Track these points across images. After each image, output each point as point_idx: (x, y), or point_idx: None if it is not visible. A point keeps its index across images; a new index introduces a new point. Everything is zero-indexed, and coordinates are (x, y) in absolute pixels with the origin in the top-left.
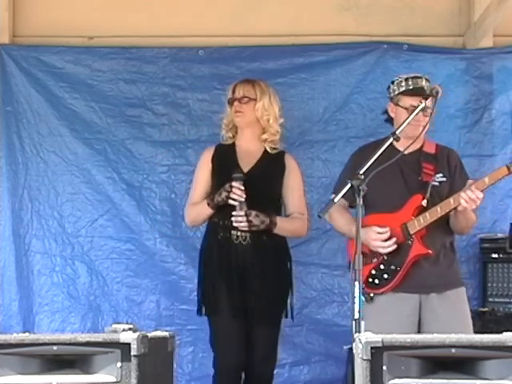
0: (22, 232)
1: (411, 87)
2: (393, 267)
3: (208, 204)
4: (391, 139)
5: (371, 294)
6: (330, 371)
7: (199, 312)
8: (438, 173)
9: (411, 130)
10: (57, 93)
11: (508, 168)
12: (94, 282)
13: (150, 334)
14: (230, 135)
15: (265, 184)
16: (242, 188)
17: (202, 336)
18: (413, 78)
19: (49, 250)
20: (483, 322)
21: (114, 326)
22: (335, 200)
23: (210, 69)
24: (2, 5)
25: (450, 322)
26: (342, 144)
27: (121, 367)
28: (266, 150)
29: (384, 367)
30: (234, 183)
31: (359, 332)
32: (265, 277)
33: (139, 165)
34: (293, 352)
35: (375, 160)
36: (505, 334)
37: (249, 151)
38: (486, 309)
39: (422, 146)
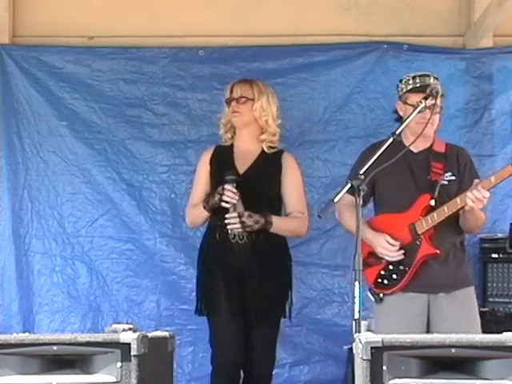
0: (22, 232)
1: (418, 85)
2: (401, 267)
3: (204, 207)
4: (391, 139)
5: (380, 295)
6: (329, 371)
7: (197, 312)
8: (447, 172)
9: (419, 128)
10: (57, 93)
11: None
12: (94, 281)
13: (150, 334)
14: (229, 136)
15: (261, 184)
16: (234, 190)
17: (201, 336)
18: (420, 75)
19: (49, 250)
20: (483, 321)
21: (114, 325)
22: (335, 200)
23: (210, 69)
24: (2, 5)
25: (458, 322)
26: (342, 144)
27: (121, 367)
28: (263, 150)
29: (384, 367)
30: (225, 186)
31: (359, 332)
32: (263, 276)
33: (139, 165)
34: (293, 352)
35: (383, 159)
36: (505, 334)
37: (246, 152)
38: (486, 309)
39: (431, 145)
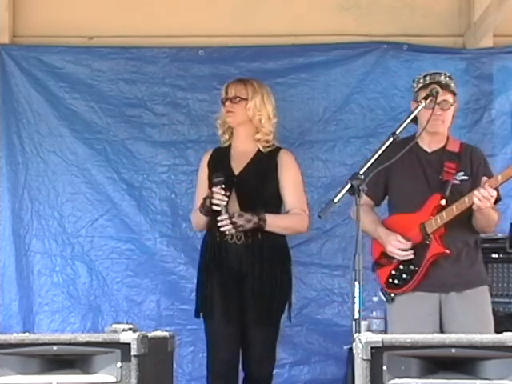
0: (22, 232)
1: (428, 82)
2: (412, 267)
3: (200, 211)
4: (391, 139)
5: (392, 295)
6: (329, 371)
7: (196, 314)
8: (459, 171)
9: (431, 126)
10: (57, 93)
11: None
12: (94, 281)
13: (150, 334)
14: (227, 137)
15: (256, 184)
16: (222, 192)
17: (201, 336)
18: (431, 74)
19: (49, 250)
20: None
21: (114, 325)
22: (335, 200)
23: (210, 69)
24: (2, 5)
25: (470, 321)
26: (342, 144)
27: (121, 367)
28: (259, 150)
29: (384, 367)
30: (213, 188)
31: (359, 332)
32: (261, 277)
33: (139, 165)
34: (293, 352)
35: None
36: (505, 334)
37: (243, 152)
38: None
39: (445, 145)
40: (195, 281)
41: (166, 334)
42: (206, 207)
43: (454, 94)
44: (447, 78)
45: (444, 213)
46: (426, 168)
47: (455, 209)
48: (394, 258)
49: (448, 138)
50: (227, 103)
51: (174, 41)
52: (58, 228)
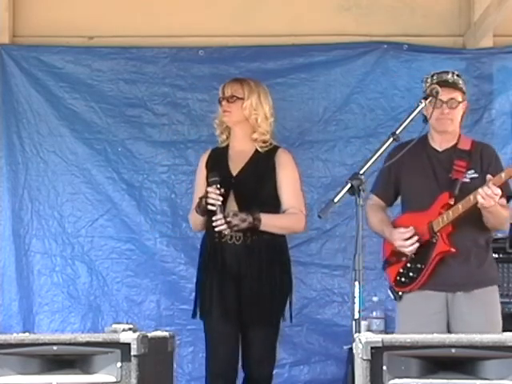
0: (22, 232)
1: (435, 81)
2: (418, 265)
3: (196, 211)
4: (391, 139)
5: (400, 293)
6: (329, 371)
7: (193, 315)
8: (469, 170)
9: (439, 125)
10: (57, 93)
11: None
12: (94, 281)
13: (150, 334)
14: (224, 137)
15: (254, 185)
16: (217, 192)
17: (202, 336)
18: (439, 73)
19: (49, 250)
20: None
21: (114, 326)
22: (335, 200)
23: (210, 69)
24: (2, 5)
25: (477, 321)
26: (342, 144)
27: (121, 367)
28: (257, 150)
29: (384, 367)
30: (208, 188)
31: (359, 332)
32: (260, 277)
33: (139, 165)
34: (293, 352)
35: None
36: (505, 333)
37: (241, 152)
38: None
39: (456, 143)
40: (195, 281)
41: (165, 334)
42: (202, 207)
43: (463, 92)
44: (455, 77)
45: (450, 211)
46: (436, 167)
47: (461, 207)
48: (403, 256)
49: (460, 136)
50: (224, 103)
51: (173, 41)
52: (57, 228)
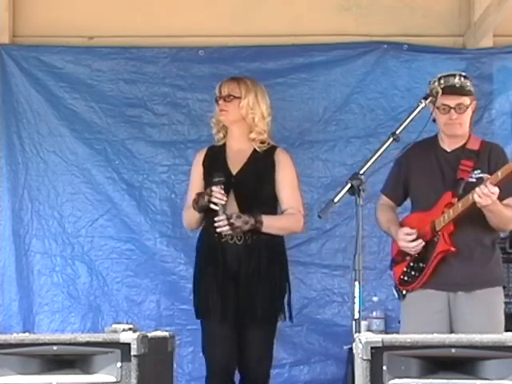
0: (22, 232)
1: (442, 86)
2: (421, 264)
3: (193, 207)
4: (391, 139)
5: (403, 292)
6: (329, 371)
7: (197, 315)
8: (476, 169)
9: (448, 129)
10: (57, 93)
11: None
12: (94, 281)
13: (150, 334)
14: (221, 136)
15: (254, 185)
16: (222, 192)
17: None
18: (445, 76)
19: (49, 250)
20: None
21: (114, 325)
22: (335, 200)
23: (210, 69)
24: (2, 5)
25: (478, 321)
26: (342, 144)
27: (121, 367)
28: (255, 149)
29: (384, 367)
30: (213, 188)
31: (359, 332)
32: (258, 277)
33: (139, 165)
34: (293, 352)
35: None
36: (505, 334)
37: (239, 151)
38: None
39: (465, 143)
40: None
41: (165, 333)
42: (201, 204)
43: (471, 93)
44: (462, 79)
45: (451, 210)
46: (444, 166)
47: (460, 206)
48: (407, 255)
49: (470, 136)
50: (220, 101)
51: (173, 41)
52: (57, 228)
